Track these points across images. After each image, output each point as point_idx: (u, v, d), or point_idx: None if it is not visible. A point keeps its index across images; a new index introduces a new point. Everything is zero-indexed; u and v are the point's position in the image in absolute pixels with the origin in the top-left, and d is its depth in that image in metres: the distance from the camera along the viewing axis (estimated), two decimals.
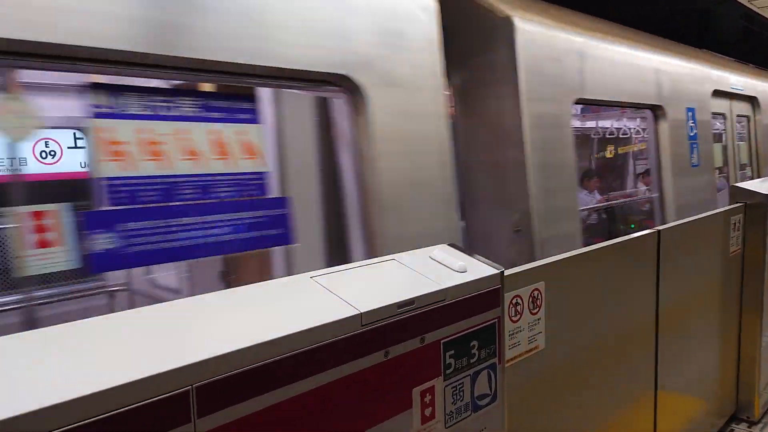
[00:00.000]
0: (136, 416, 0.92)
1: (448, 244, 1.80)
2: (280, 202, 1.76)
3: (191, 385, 0.99)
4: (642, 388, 2.79)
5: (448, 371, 1.52)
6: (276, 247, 2.01)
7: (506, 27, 2.44)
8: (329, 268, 1.50)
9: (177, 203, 1.51)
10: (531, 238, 2.43)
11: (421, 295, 1.43)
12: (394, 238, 1.83)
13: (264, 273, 2.32)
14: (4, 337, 1.00)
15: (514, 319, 1.85)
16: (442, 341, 1.50)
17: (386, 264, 1.60)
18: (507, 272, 1.74)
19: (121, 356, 0.98)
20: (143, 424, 0.93)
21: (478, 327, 1.61)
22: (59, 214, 1.47)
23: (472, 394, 1.59)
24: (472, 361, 1.59)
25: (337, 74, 1.77)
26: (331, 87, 1.83)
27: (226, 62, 1.52)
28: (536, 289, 1.95)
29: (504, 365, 1.71)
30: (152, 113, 1.50)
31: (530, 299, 1.92)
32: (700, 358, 3.41)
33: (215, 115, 1.62)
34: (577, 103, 2.83)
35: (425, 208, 1.97)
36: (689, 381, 3.29)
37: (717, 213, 3.49)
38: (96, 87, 1.42)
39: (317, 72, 1.73)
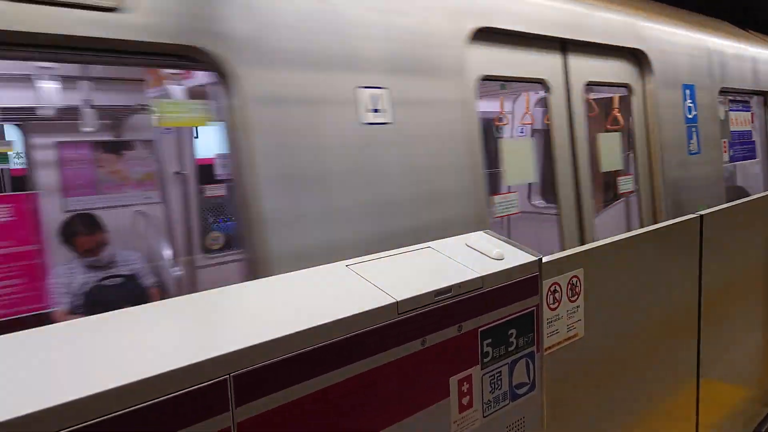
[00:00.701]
0: (175, 405, 0.92)
1: (484, 231, 1.76)
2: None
3: (229, 374, 0.99)
4: (684, 376, 2.72)
5: (485, 360, 1.49)
6: None
7: None
8: (364, 257, 1.49)
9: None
10: None
11: (457, 283, 1.40)
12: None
13: None
14: (49, 326, 1.02)
15: (552, 306, 1.81)
16: (479, 329, 1.47)
17: (422, 252, 1.58)
18: (545, 259, 1.70)
19: (159, 346, 0.99)
20: (182, 412, 0.93)
21: (516, 315, 1.57)
22: None
23: (510, 383, 1.56)
24: (509, 349, 1.56)
25: (763, 91, 4.27)
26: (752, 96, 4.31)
27: (750, 89, 3.93)
28: (575, 276, 1.90)
29: (542, 353, 1.67)
30: (736, 108, 4.08)
31: (569, 287, 1.87)
32: (744, 346, 3.32)
33: (741, 108, 4.20)
34: None
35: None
36: (733, 369, 3.20)
37: (760, 197, 3.40)
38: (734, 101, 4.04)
39: (757, 90, 4.26)
